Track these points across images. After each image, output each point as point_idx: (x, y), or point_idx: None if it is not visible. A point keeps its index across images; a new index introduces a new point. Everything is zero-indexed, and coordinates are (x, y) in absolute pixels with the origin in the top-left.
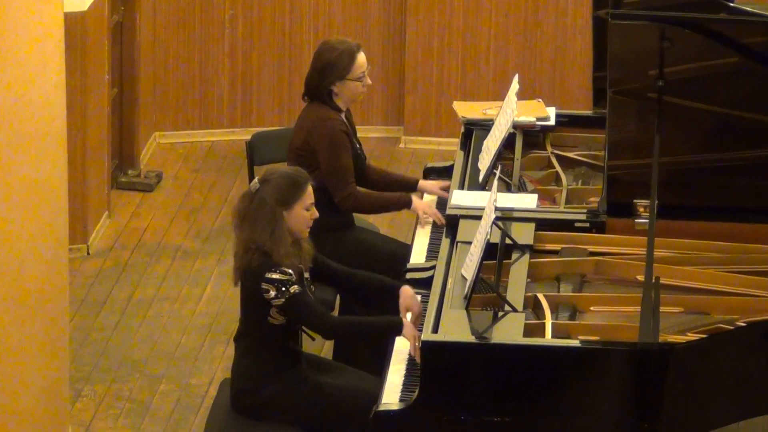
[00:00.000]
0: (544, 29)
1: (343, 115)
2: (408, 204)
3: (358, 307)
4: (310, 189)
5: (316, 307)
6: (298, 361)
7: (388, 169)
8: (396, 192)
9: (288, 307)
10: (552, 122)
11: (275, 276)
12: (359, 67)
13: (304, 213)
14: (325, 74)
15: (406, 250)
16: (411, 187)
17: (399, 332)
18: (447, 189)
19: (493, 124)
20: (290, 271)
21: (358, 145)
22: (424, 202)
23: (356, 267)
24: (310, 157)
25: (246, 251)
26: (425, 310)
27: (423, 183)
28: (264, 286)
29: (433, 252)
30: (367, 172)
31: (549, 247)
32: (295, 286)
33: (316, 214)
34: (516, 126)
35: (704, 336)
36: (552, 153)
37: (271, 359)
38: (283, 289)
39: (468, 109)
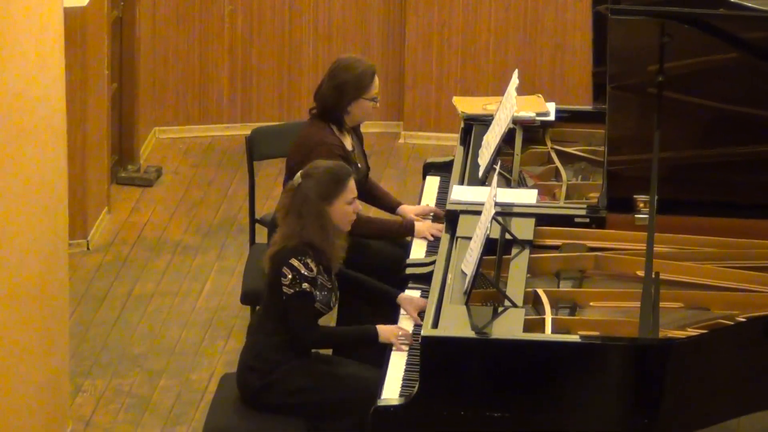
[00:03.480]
0: (544, 24)
1: (345, 135)
2: (411, 231)
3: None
4: (352, 183)
5: (309, 316)
6: (308, 352)
7: (388, 165)
8: (390, 218)
9: (289, 301)
10: (552, 117)
11: (297, 264)
12: (375, 87)
13: (346, 207)
14: (345, 92)
15: (406, 249)
16: (392, 209)
17: (376, 341)
18: (427, 215)
19: (492, 119)
20: (313, 267)
21: (359, 164)
22: (426, 224)
23: (357, 267)
24: None
25: (286, 241)
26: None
27: (403, 208)
28: (284, 269)
29: (433, 247)
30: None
31: (549, 242)
32: (307, 285)
33: (359, 208)
34: (516, 121)
35: (704, 331)
36: (552, 148)
37: (284, 345)
38: (298, 280)
39: (468, 105)
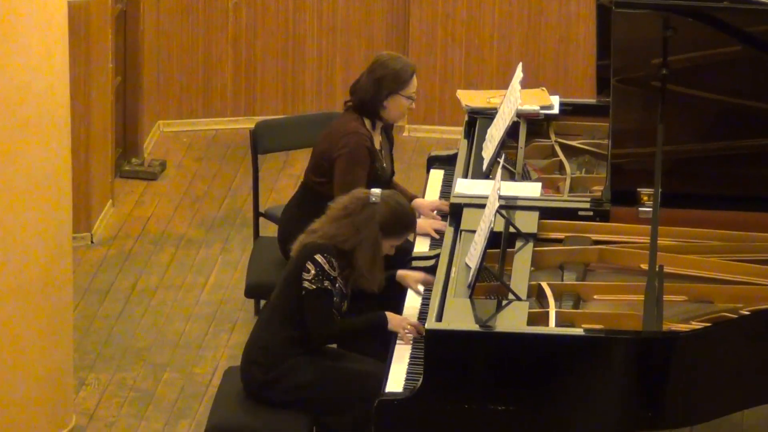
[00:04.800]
0: (548, 18)
1: (376, 133)
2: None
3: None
4: (408, 234)
5: (328, 313)
6: (315, 349)
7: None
8: None
9: (310, 296)
10: (556, 111)
11: (322, 260)
12: (414, 85)
13: (389, 249)
14: (383, 86)
15: (410, 245)
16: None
17: (385, 327)
18: (440, 210)
19: (496, 112)
20: (337, 266)
21: (383, 164)
22: (428, 221)
23: None
24: (328, 166)
25: (323, 238)
26: (428, 298)
27: (417, 202)
28: (308, 264)
29: (437, 241)
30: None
31: (553, 235)
32: (329, 283)
33: (393, 252)
34: (520, 114)
35: (708, 324)
36: (556, 141)
37: (291, 340)
38: (320, 277)
39: (472, 98)
